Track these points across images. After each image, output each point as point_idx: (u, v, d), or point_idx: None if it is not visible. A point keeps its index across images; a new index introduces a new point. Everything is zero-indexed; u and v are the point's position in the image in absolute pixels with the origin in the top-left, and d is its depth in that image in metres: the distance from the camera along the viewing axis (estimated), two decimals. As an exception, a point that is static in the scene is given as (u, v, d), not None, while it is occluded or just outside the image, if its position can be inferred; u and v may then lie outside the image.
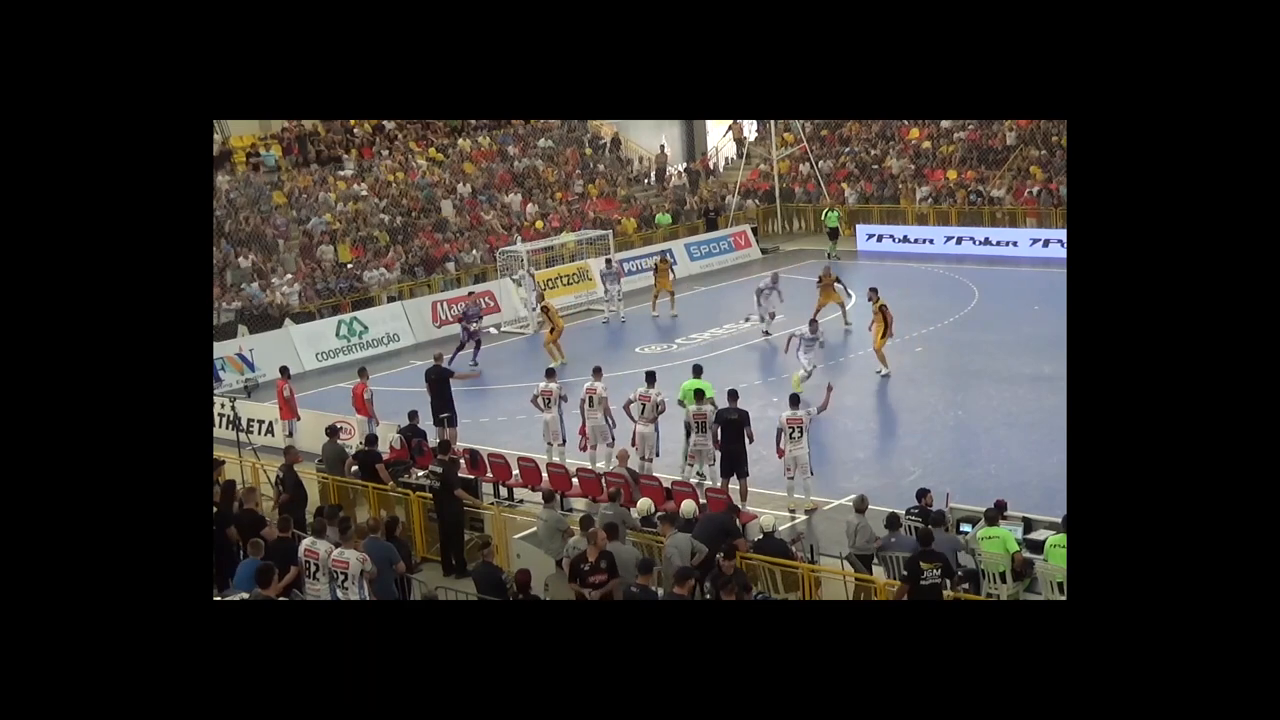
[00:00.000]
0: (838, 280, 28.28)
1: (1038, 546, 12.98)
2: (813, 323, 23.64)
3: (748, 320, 28.67)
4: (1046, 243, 35.23)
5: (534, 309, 30.19)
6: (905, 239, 38.11)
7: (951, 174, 40.23)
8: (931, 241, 37.62)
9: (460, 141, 41.59)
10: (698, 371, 19.33)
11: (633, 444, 18.03)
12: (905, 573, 11.94)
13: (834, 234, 37.57)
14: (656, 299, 31.40)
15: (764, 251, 38.90)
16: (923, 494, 14.26)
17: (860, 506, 13.97)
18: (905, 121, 42.71)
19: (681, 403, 18.51)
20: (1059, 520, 12.93)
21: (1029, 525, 13.81)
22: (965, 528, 13.63)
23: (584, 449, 19.01)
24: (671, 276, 32.02)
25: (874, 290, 24.61)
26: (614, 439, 18.56)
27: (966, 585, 12.82)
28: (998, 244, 36.41)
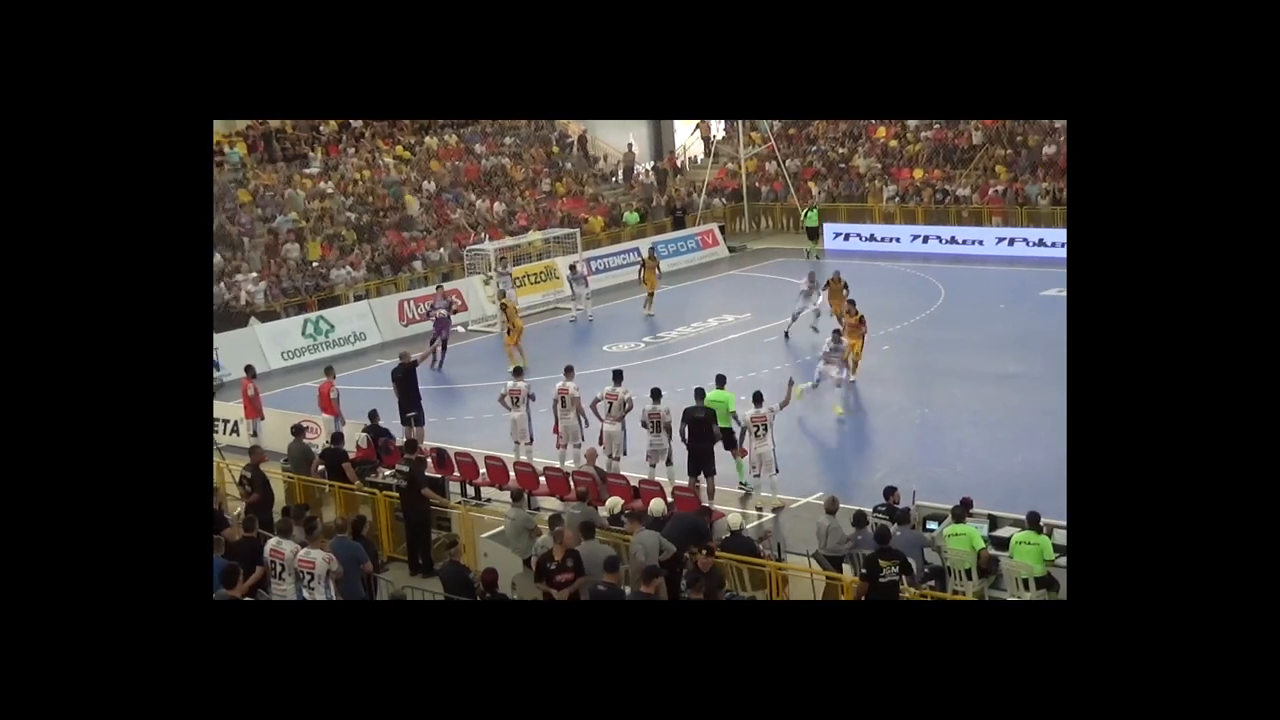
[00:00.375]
0: (845, 286, 27.40)
1: (1003, 543, 13.07)
2: (836, 333, 23.12)
3: (794, 320, 27.43)
4: (1012, 241, 35.53)
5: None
6: (872, 238, 38.27)
7: (918, 173, 40.45)
8: (898, 240, 37.81)
9: (427, 139, 41.45)
10: (721, 382, 18.33)
11: (600, 443, 18.02)
12: (864, 570, 11.99)
13: (813, 233, 37.64)
14: (651, 297, 31.24)
15: (731, 250, 38.98)
16: (889, 492, 14.31)
17: (831, 508, 13.99)
18: (872, 120, 42.88)
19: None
20: (1023, 517, 13.03)
21: (994, 522, 13.89)
22: (931, 525, 13.70)
23: (559, 448, 18.99)
24: (657, 273, 31.88)
25: (852, 303, 24.35)
26: (584, 439, 18.55)
27: (932, 582, 12.90)
28: (964, 243, 36.65)
